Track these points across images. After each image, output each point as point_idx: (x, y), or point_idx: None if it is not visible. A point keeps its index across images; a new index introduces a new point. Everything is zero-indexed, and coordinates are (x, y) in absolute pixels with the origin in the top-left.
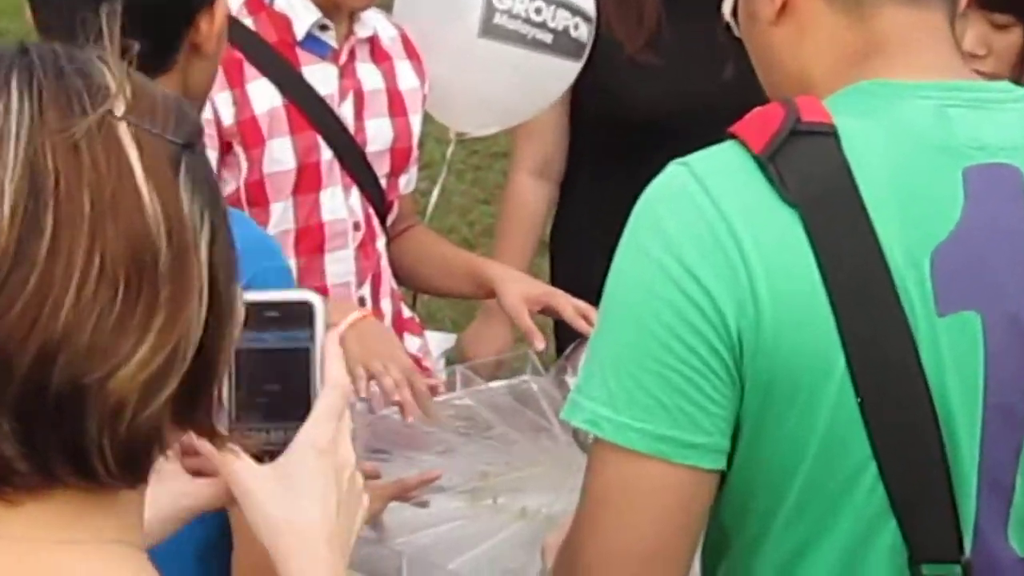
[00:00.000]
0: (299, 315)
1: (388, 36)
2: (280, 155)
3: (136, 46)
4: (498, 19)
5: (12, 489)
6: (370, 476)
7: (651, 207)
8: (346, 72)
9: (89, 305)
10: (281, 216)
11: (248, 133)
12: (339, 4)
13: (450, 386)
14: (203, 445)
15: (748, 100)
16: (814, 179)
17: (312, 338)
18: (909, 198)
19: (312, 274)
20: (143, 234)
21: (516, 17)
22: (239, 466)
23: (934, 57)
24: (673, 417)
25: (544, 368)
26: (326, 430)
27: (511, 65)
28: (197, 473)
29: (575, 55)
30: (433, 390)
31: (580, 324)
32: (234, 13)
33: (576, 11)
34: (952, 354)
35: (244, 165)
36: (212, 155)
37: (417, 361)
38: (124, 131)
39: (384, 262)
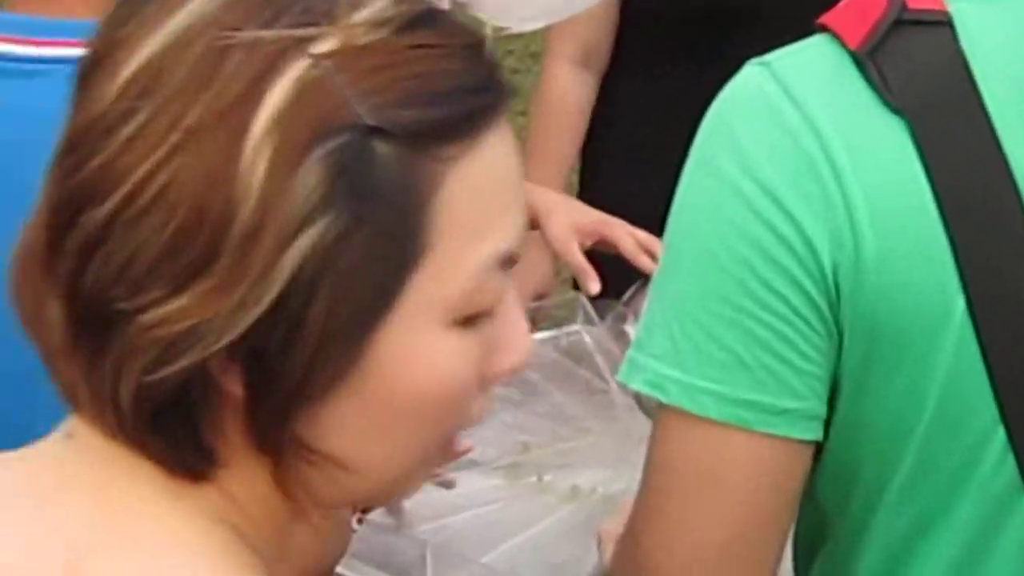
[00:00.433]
0: None
1: None
2: None
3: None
4: None
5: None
6: None
7: (723, 118)
8: None
9: (136, 219)
10: None
11: None
12: None
13: None
14: None
15: None
16: (924, 79)
17: None
18: None
19: None
20: (224, 187)
21: None
22: None
23: None
24: (756, 377)
25: (599, 316)
26: None
27: None
28: None
29: None
30: None
31: (643, 261)
32: None
33: None
34: None
35: None
36: None
37: None
38: (296, 68)
39: None
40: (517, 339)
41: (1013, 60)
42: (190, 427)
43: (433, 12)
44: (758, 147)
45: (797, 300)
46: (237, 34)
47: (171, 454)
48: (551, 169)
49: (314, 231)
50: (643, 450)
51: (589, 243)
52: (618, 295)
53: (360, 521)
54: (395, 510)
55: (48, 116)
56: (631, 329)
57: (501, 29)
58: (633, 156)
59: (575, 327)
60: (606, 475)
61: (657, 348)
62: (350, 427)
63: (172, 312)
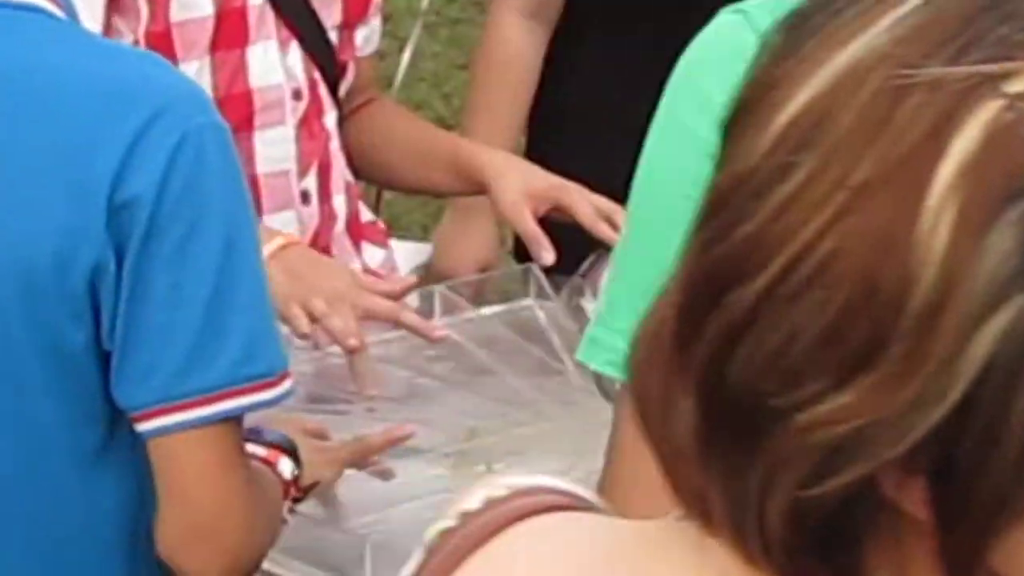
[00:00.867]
0: None
1: None
2: None
3: None
4: None
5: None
6: (316, 436)
7: (694, 71)
8: None
9: (793, 297)
10: (195, 80)
11: None
12: None
13: (425, 313)
14: None
15: None
16: None
17: None
18: None
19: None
20: (899, 256)
21: None
22: None
23: None
24: None
25: (553, 289)
26: None
27: None
28: None
29: None
30: (403, 290)
31: (602, 229)
32: None
33: None
34: None
35: (144, 10)
36: None
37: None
38: (987, 110)
39: (335, 145)
40: None
41: None
42: (853, 555)
43: None
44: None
45: None
46: (917, 71)
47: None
48: (496, 128)
49: (1010, 309)
50: (603, 437)
51: (543, 210)
52: (574, 267)
53: (291, 511)
54: (329, 501)
55: None
56: (589, 304)
57: None
58: (591, 117)
59: (527, 302)
60: (562, 465)
61: (620, 325)
62: None
63: (835, 411)
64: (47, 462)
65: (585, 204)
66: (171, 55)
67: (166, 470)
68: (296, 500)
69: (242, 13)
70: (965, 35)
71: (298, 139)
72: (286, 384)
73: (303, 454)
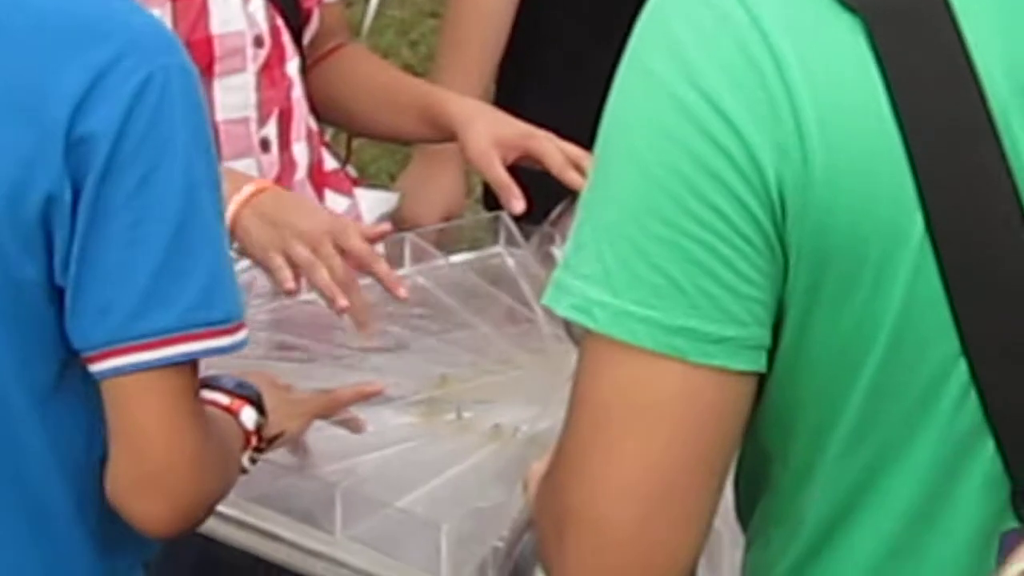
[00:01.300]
0: None
1: None
2: None
3: None
4: None
5: None
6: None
7: (661, 15)
8: None
9: None
10: None
11: None
12: None
13: (394, 261)
14: None
15: None
16: None
17: None
18: (1014, 3)
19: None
20: None
21: None
22: None
23: None
24: (692, 302)
25: (523, 237)
26: None
27: None
28: None
29: None
30: (377, 235)
31: (571, 176)
32: None
33: None
34: None
35: None
36: None
37: None
38: None
39: (297, 92)
40: None
41: None
42: None
43: None
44: (698, 49)
45: (738, 218)
46: None
47: None
48: (466, 76)
49: None
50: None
51: (512, 157)
52: (543, 215)
53: (253, 461)
54: (298, 449)
55: None
56: (559, 252)
57: None
58: (559, 66)
59: (496, 249)
60: (532, 412)
61: (585, 269)
62: None
63: None
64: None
65: (555, 151)
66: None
67: (117, 413)
68: (258, 450)
69: None
70: None
71: (259, 86)
72: (242, 333)
73: (269, 404)
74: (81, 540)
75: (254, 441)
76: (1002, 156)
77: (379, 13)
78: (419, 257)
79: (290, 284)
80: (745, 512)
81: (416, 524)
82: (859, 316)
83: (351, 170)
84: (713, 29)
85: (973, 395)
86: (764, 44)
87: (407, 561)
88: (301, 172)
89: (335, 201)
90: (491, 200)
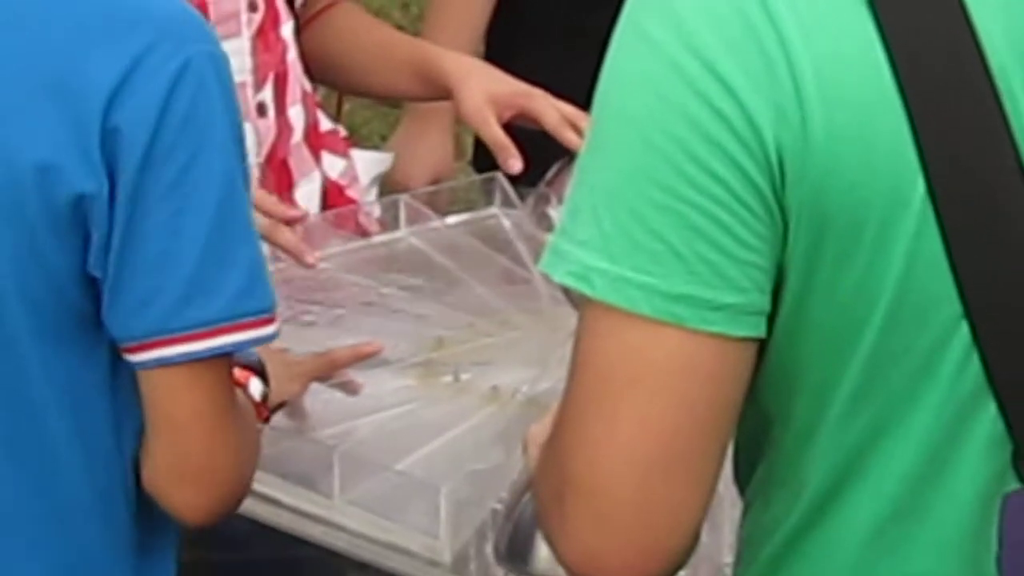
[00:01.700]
0: None
1: None
2: None
3: None
4: None
5: None
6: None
7: None
8: None
9: None
10: None
11: None
12: None
13: (389, 223)
14: None
15: None
16: None
17: None
18: None
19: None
20: None
21: None
22: None
23: None
24: (691, 268)
25: (519, 197)
26: None
27: None
28: None
29: None
30: (286, 219)
31: (568, 136)
32: None
33: None
34: None
35: None
36: None
37: (339, 190)
38: None
39: (292, 56)
40: None
41: None
42: None
43: None
44: (694, 12)
45: (736, 183)
46: None
47: None
48: (457, 35)
49: None
50: (570, 346)
51: (508, 115)
52: (539, 176)
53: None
54: (295, 412)
55: None
56: (555, 212)
57: None
58: (552, 29)
59: (492, 210)
60: (530, 374)
61: (582, 235)
62: None
63: None
64: (21, 378)
65: (551, 110)
66: None
67: (158, 404)
68: (265, 420)
69: None
70: None
71: (254, 51)
72: (277, 323)
73: (271, 370)
74: (101, 533)
75: (264, 413)
76: (1003, 118)
77: None
78: (414, 219)
79: None
80: (744, 475)
81: (415, 487)
82: (860, 279)
83: (342, 130)
84: None
85: (975, 357)
86: (761, 6)
87: (406, 524)
88: (297, 135)
89: (332, 162)
90: (483, 162)
